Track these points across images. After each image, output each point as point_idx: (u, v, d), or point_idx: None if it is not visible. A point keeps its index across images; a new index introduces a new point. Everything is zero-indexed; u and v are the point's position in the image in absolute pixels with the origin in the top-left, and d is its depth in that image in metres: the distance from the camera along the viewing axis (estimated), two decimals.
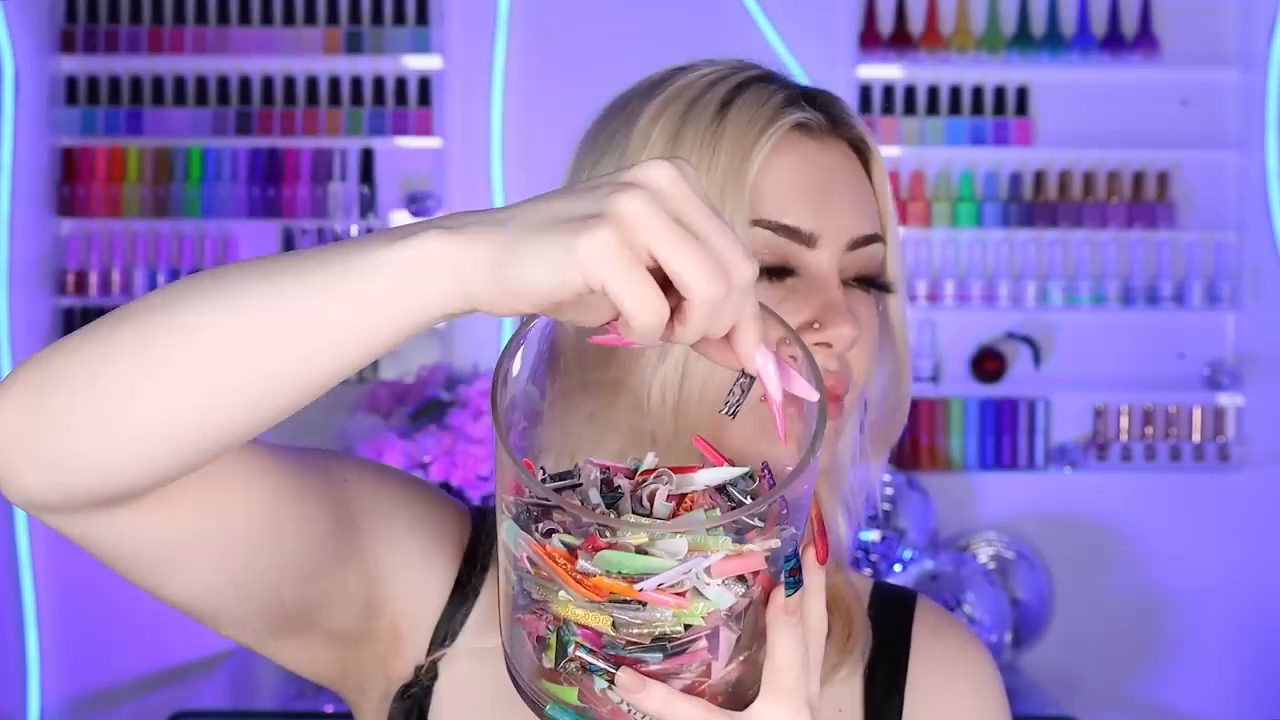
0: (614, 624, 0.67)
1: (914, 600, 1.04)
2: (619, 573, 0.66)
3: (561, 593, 0.67)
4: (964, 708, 1.01)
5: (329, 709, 3.09)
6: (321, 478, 0.92)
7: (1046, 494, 3.84)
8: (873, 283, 0.96)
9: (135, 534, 0.80)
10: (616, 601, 0.67)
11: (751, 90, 0.94)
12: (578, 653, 0.68)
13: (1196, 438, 3.84)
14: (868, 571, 3.45)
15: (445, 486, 3.02)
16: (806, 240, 0.93)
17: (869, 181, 0.97)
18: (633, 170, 0.66)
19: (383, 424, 3.17)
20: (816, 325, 0.91)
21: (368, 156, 3.82)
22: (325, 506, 0.91)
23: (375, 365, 3.80)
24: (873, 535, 3.44)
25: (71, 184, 3.80)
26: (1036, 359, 3.83)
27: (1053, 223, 3.82)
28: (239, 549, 0.85)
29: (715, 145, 0.91)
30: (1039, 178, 3.83)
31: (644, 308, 0.64)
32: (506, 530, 0.70)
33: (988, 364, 3.81)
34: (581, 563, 0.67)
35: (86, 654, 3.77)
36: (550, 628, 0.69)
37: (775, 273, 0.92)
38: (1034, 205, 3.83)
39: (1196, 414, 3.84)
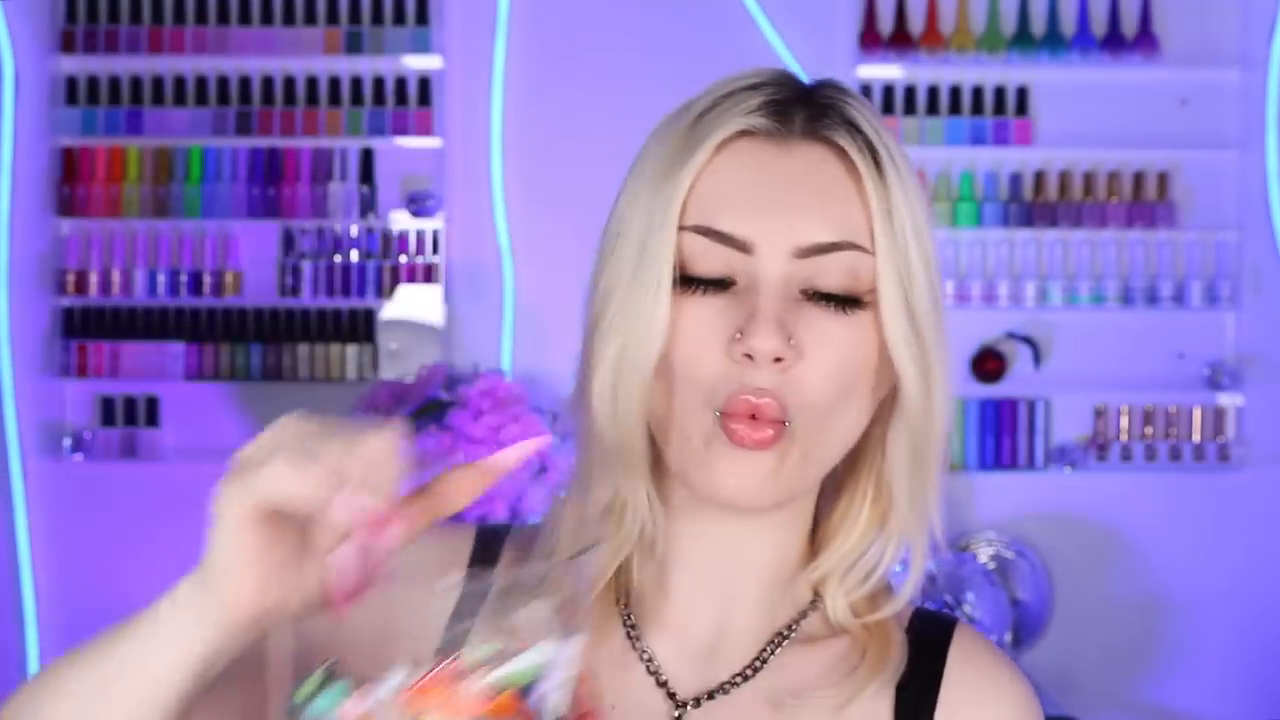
0: None
1: (953, 625, 1.02)
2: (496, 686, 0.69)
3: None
4: None
5: None
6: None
7: (1046, 494, 3.84)
8: (832, 296, 0.91)
9: None
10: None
11: (732, 98, 0.92)
12: None
13: (1196, 438, 3.84)
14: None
15: None
16: (742, 247, 0.90)
17: (859, 187, 0.92)
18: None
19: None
20: (738, 336, 0.89)
21: (368, 156, 3.82)
22: None
23: (375, 365, 3.80)
24: None
25: (71, 184, 3.80)
26: (1036, 359, 3.83)
27: (1053, 223, 3.82)
28: None
29: (672, 153, 0.92)
30: (1039, 178, 3.83)
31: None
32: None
33: (988, 364, 3.80)
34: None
35: None
36: None
37: (716, 284, 0.91)
38: (1034, 205, 3.83)
39: (1196, 414, 3.84)
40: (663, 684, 0.96)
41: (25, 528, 3.73)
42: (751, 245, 0.90)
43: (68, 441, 3.81)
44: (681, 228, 0.91)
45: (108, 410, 3.82)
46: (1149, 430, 3.84)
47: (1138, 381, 3.84)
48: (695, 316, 0.90)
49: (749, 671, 0.97)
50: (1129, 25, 3.83)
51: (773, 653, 0.97)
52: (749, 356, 0.88)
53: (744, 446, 0.89)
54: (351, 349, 3.80)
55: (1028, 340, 3.83)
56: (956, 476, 3.82)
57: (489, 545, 1.01)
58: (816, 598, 0.99)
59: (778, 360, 0.89)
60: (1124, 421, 3.84)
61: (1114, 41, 3.82)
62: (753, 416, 0.89)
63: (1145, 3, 3.81)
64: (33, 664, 3.76)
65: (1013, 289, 3.81)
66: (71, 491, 3.80)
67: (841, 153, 0.92)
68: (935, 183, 3.85)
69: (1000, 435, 3.83)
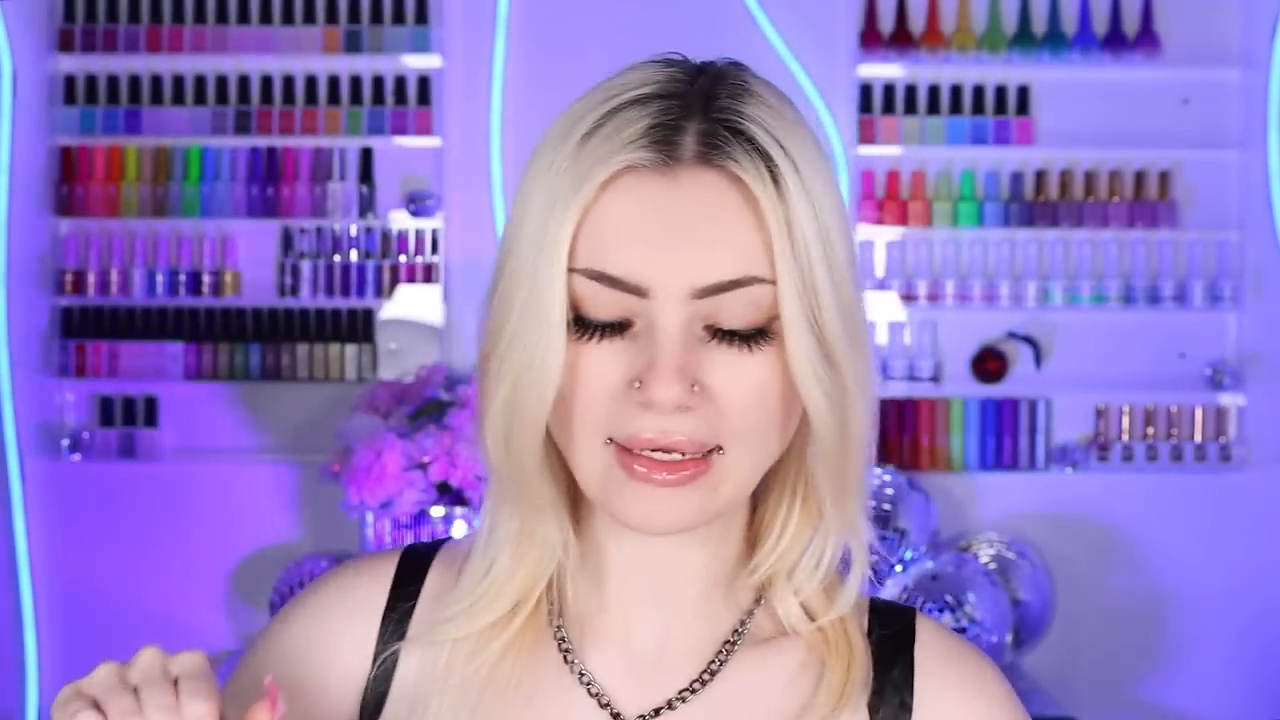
0: None
1: (913, 619, 0.97)
2: None
3: None
4: None
5: None
6: None
7: (1048, 494, 3.84)
8: (736, 333, 0.85)
9: None
10: None
11: (618, 119, 0.86)
12: None
13: (1198, 438, 3.83)
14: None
15: (444, 487, 3.01)
16: (636, 291, 0.84)
17: (757, 214, 0.85)
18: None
19: (382, 424, 3.16)
20: (637, 384, 0.84)
21: (367, 156, 3.81)
22: None
23: (374, 365, 3.79)
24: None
25: (70, 183, 3.80)
26: (1037, 359, 3.83)
27: (1054, 222, 3.82)
28: None
29: (557, 186, 0.86)
30: (1040, 177, 3.82)
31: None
32: None
33: (989, 364, 3.80)
34: None
35: (86, 654, 3.76)
36: None
37: (614, 328, 0.85)
38: (1035, 205, 3.82)
39: (1198, 414, 3.83)
40: (605, 705, 0.92)
41: (24, 528, 3.73)
42: (645, 289, 0.84)
43: (66, 442, 3.80)
44: (572, 269, 0.85)
45: (106, 410, 3.81)
46: (1150, 430, 3.84)
47: (1139, 381, 3.83)
48: (592, 361, 0.86)
49: (697, 685, 0.93)
50: (1130, 24, 3.82)
51: (722, 663, 0.93)
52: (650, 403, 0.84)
53: (650, 484, 0.86)
54: (351, 349, 3.79)
55: (1029, 340, 3.83)
56: (957, 477, 3.82)
57: (415, 565, 0.99)
58: (761, 596, 0.95)
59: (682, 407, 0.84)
60: (1125, 422, 3.83)
61: (1115, 41, 3.81)
62: (664, 450, 0.85)
63: (1147, 2, 3.80)
64: (32, 664, 3.75)
65: (1014, 289, 3.80)
66: (70, 492, 3.79)
67: (736, 175, 0.85)
68: (936, 182, 3.84)
69: (1001, 435, 3.83)
